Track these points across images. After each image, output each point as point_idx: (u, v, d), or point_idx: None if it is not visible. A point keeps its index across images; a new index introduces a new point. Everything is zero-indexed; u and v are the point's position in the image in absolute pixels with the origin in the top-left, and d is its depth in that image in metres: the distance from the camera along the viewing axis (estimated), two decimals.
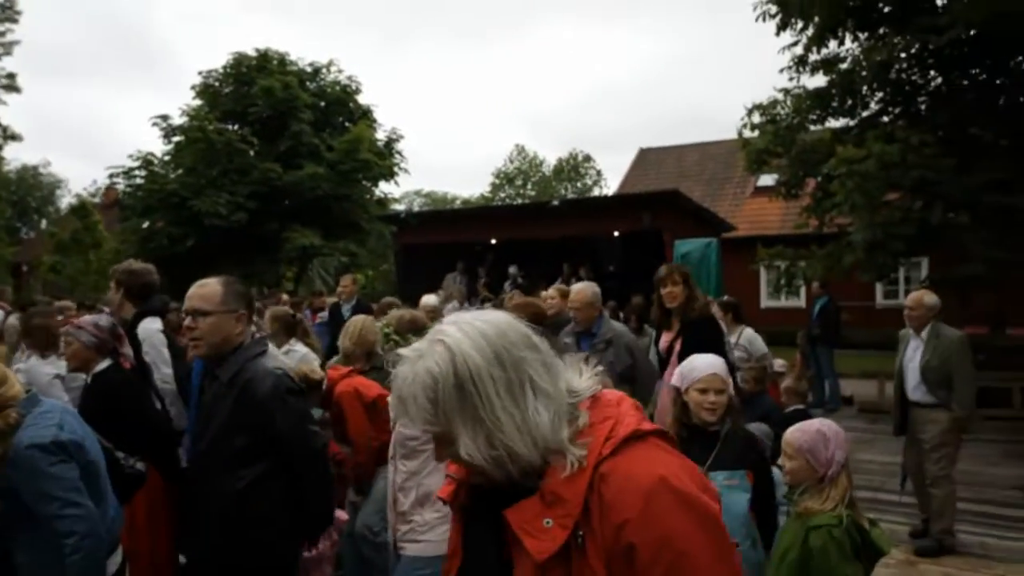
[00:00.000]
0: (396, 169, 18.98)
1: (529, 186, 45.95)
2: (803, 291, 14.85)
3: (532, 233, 14.93)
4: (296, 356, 4.63)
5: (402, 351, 1.21)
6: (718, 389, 2.83)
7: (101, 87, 75.40)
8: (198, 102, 17.92)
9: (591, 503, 1.11)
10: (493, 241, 15.67)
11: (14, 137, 26.07)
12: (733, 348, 5.95)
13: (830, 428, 2.56)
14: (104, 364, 3.37)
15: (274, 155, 16.89)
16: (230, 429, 2.52)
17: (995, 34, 8.93)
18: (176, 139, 17.29)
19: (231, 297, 2.58)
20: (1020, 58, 9.76)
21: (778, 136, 11.48)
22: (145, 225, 17.07)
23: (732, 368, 4.37)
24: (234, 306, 2.58)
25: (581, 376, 1.24)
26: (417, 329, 3.76)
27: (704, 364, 2.93)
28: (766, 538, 2.78)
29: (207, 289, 2.58)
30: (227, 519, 2.50)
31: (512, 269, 14.43)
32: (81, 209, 23.79)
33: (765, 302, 19.72)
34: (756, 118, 11.79)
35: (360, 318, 4.17)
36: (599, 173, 46.12)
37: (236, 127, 17.48)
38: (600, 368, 1.27)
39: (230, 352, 2.57)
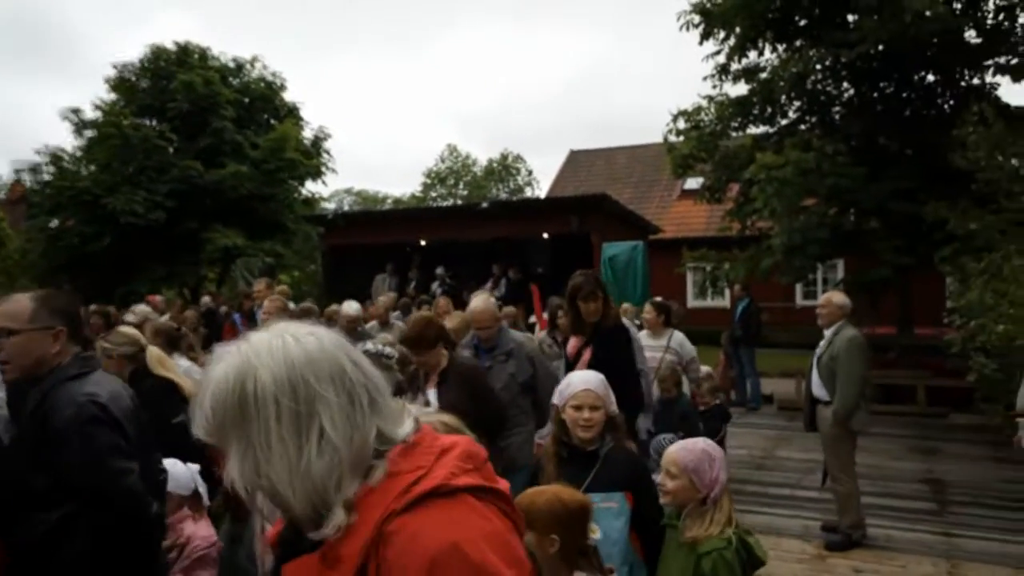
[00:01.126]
0: (323, 168, 18.67)
1: (461, 186, 45.86)
2: (728, 291, 15.31)
3: (462, 234, 14.88)
4: (179, 370, 4.43)
5: (216, 349, 1.10)
6: (592, 405, 2.70)
7: (3, 75, 71.17)
8: (112, 96, 17.16)
9: (369, 566, 0.97)
10: (423, 242, 15.55)
11: None
12: (665, 351, 6.05)
13: (714, 448, 2.48)
14: None
15: (194, 152, 16.31)
16: (29, 466, 2.22)
17: (901, 50, 9.42)
18: (88, 134, 16.51)
19: (44, 313, 2.28)
20: (923, 73, 10.31)
21: (702, 142, 11.81)
22: (54, 224, 16.22)
23: (641, 374, 4.41)
24: (48, 323, 2.27)
25: (404, 420, 1.10)
26: None
27: (579, 380, 2.82)
28: (651, 563, 2.61)
29: (14, 305, 2.28)
30: (30, 572, 2.20)
31: (439, 270, 14.34)
32: None
33: (692, 302, 20.25)
34: (681, 124, 12.10)
35: None
36: (530, 173, 46.44)
37: (154, 123, 16.81)
38: (430, 409, 1.19)
39: (47, 374, 2.28)
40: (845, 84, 10.92)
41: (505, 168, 45.88)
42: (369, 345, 4.93)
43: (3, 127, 67.14)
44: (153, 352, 3.77)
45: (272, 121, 18.42)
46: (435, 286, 14.03)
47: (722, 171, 11.93)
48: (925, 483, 6.78)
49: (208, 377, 1.06)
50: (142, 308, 7.82)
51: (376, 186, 71.02)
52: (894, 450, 7.94)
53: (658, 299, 6.64)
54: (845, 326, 5.30)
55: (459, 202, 42.39)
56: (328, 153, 18.94)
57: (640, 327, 6.30)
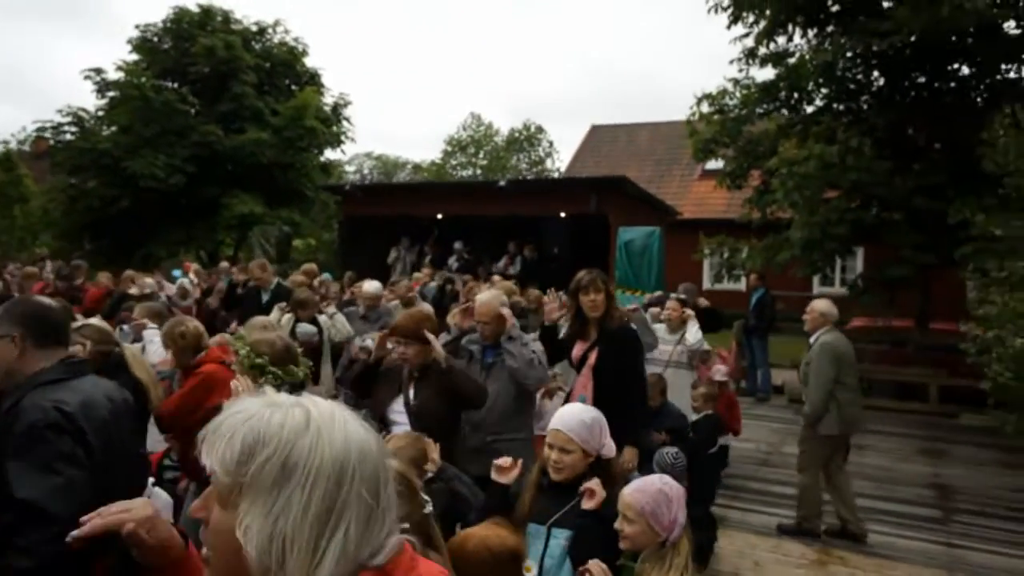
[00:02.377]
0: (343, 137, 18.61)
1: (481, 155, 45.54)
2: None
3: (478, 210, 14.78)
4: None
5: (268, 389, 1.06)
6: (562, 448, 2.56)
7: (30, 29, 71.13)
8: (135, 57, 17.13)
9: None
10: (439, 216, 15.50)
11: None
12: (677, 344, 6.09)
13: (672, 488, 2.36)
14: None
15: (215, 117, 16.30)
16: None
17: (935, 41, 9.14)
18: (110, 94, 16.53)
19: (3, 321, 2.20)
20: (958, 65, 10.02)
21: (725, 126, 11.61)
22: (73, 183, 16.36)
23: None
24: (6, 331, 2.19)
25: (388, 545, 1.02)
26: (293, 359, 3.23)
27: (556, 418, 2.67)
28: None
29: None
30: None
31: (457, 245, 14.31)
32: (6, 161, 22.59)
33: (708, 285, 20.09)
34: (704, 107, 11.89)
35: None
36: (551, 144, 46.04)
37: (175, 85, 16.80)
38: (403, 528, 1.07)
39: (24, 381, 2.18)
40: (875, 73, 10.64)
41: (527, 139, 45.48)
42: (368, 342, 4.89)
43: (31, 79, 67.44)
44: (129, 351, 3.82)
45: (293, 87, 18.34)
46: (452, 260, 14.03)
47: (744, 157, 11.74)
48: (931, 488, 6.73)
49: (247, 412, 0.99)
50: (148, 281, 7.96)
51: (396, 151, 70.69)
52: (902, 451, 7.89)
53: (682, 295, 6.66)
54: (827, 332, 5.42)
55: (479, 171, 42.14)
56: (348, 121, 18.90)
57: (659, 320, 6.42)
